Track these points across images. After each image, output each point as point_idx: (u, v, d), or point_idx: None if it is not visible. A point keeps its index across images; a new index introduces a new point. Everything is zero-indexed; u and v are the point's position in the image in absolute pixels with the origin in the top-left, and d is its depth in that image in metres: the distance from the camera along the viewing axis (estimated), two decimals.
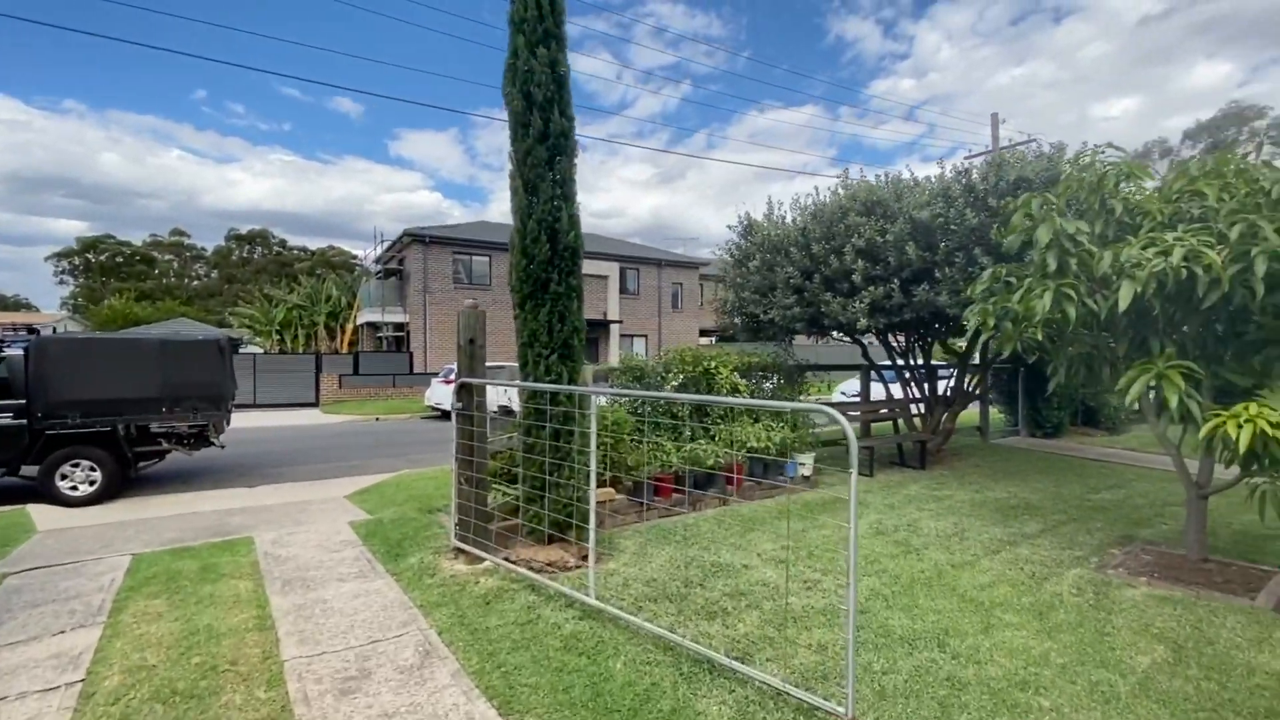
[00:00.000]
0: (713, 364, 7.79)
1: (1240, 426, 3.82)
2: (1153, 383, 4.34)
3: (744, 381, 7.82)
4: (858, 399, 13.02)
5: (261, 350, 29.84)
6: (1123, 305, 4.23)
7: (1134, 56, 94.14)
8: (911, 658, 3.54)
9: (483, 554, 4.95)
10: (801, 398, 9.29)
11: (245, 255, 69.47)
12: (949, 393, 9.98)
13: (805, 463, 7.76)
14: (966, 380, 9.79)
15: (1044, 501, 7.04)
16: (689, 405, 7.76)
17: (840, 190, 8.82)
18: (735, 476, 7.13)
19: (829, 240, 8.34)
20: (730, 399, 4.67)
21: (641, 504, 6.35)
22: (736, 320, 9.67)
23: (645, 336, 29.16)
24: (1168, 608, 4.18)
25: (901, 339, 10.27)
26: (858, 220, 8.05)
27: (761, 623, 3.96)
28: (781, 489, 7.56)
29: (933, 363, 10.40)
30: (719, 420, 7.71)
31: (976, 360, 9.97)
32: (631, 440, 6.84)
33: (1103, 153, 5.13)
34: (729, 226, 9.59)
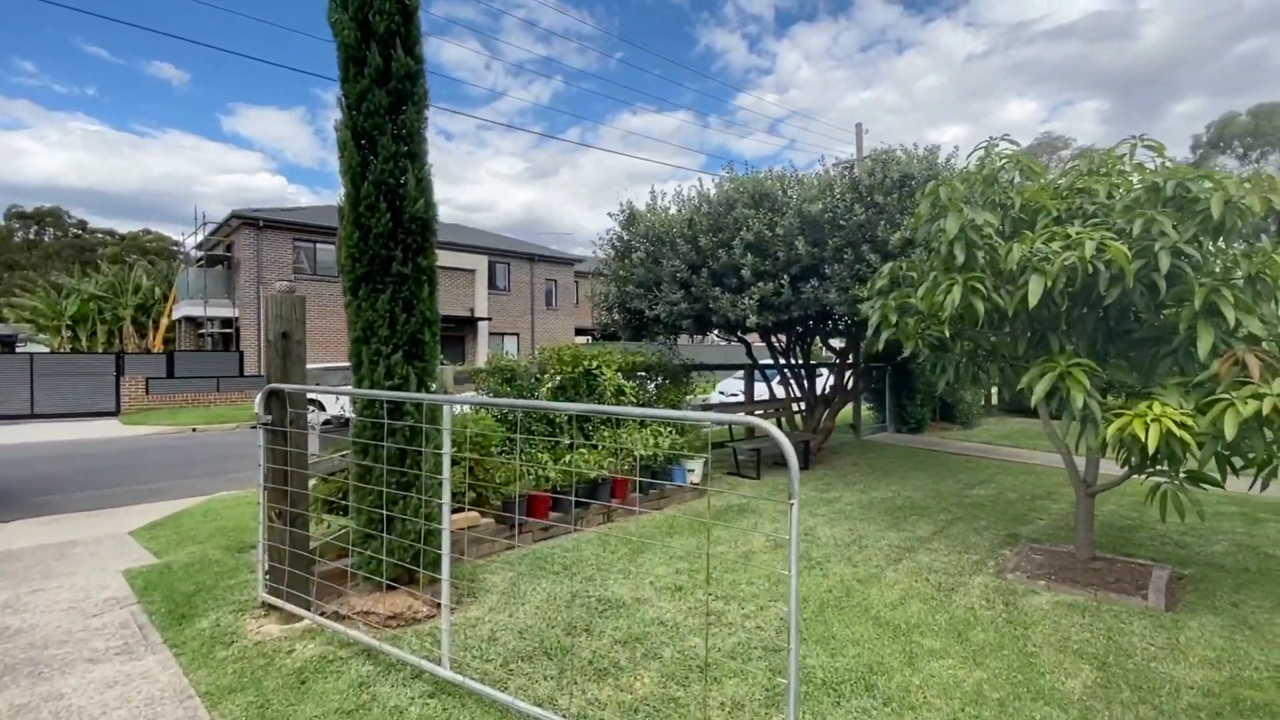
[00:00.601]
0: (595, 364, 7.01)
1: (1148, 426, 3.68)
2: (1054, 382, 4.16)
3: (629, 383, 7.10)
4: (736, 398, 12.91)
5: (46, 349, 24.79)
6: (1032, 300, 4.00)
7: (962, 90, 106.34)
8: (840, 708, 2.97)
9: (301, 610, 3.79)
10: (688, 399, 8.77)
11: (31, 237, 58.29)
12: (828, 391, 9.96)
13: (694, 469, 7.21)
14: (845, 378, 9.82)
15: (927, 500, 7.00)
16: (565, 413, 6.91)
17: (727, 182, 8.40)
18: (621, 487, 6.39)
19: (717, 233, 7.87)
20: (627, 410, 3.81)
21: (514, 526, 5.41)
22: (618, 317, 8.96)
23: (517, 335, 27.78)
24: (1076, 616, 3.99)
25: (784, 338, 10.13)
26: (746, 213, 7.64)
27: (663, 677, 3.22)
28: (670, 498, 6.94)
29: (812, 362, 10.37)
30: (602, 426, 6.94)
31: (851, 359, 10.06)
32: (502, 453, 5.87)
33: (998, 145, 4.98)
34: (609, 214, 8.88)
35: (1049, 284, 3.98)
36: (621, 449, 6.53)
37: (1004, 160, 4.86)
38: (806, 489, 7.60)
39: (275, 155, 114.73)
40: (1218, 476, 3.87)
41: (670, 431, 7.07)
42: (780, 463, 9.04)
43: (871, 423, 12.72)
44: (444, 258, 27.26)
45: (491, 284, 27.06)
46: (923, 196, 4.77)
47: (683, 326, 8.32)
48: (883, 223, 7.01)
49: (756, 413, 9.35)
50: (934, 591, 4.41)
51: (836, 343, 10.16)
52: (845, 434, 12.01)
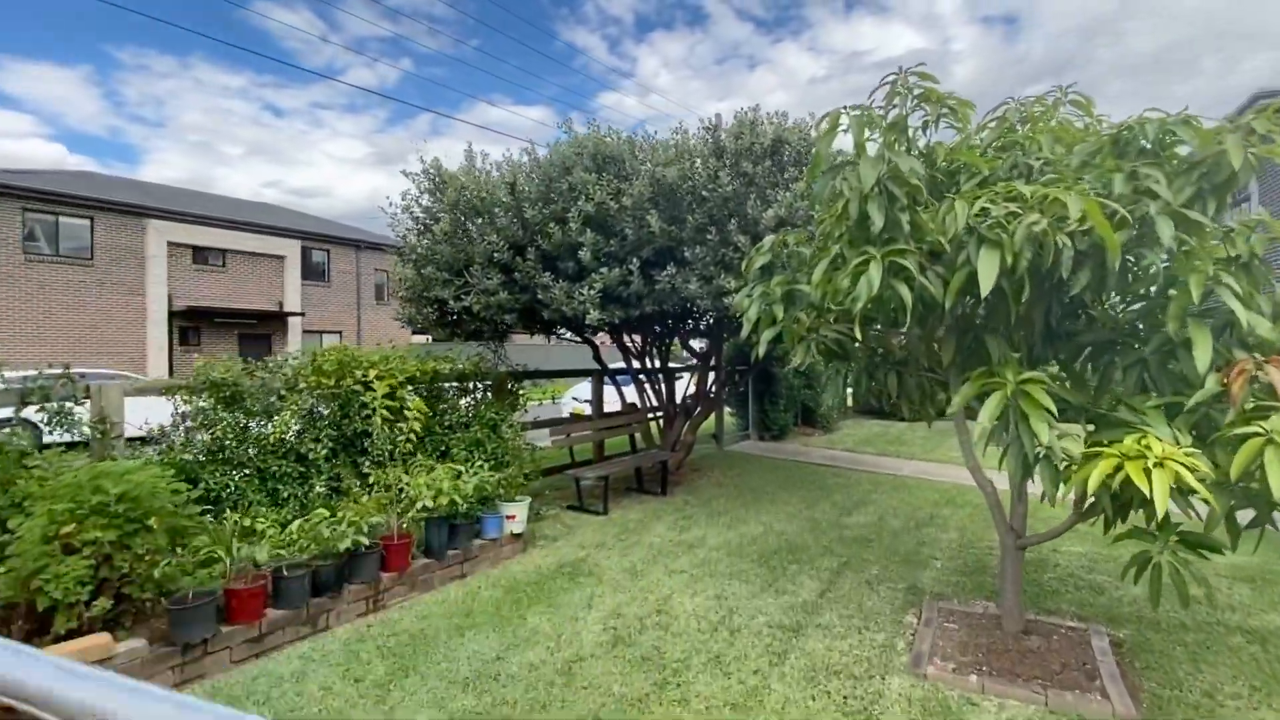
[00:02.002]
0: (370, 375, 4.94)
1: (1148, 471, 2.45)
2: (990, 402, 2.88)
3: (419, 400, 5.10)
4: (590, 407, 11.23)
5: None
6: (985, 285, 2.66)
7: (806, 108, 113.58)
8: None
9: None
10: (520, 413, 6.93)
11: None
12: (689, 399, 8.58)
13: (516, 514, 5.38)
14: (709, 384, 8.48)
15: (804, 536, 5.74)
16: (326, 444, 4.78)
17: (565, 144, 6.64)
18: (398, 555, 4.40)
19: (548, 202, 6.09)
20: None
21: (185, 650, 3.27)
22: (419, 310, 6.88)
23: (340, 333, 24.06)
24: None
25: (638, 339, 8.60)
26: (585, 177, 5.94)
27: None
28: (480, 558, 5.05)
29: (672, 365, 8.94)
30: (379, 463, 4.89)
31: (714, 361, 8.76)
32: (189, 520, 3.65)
33: (909, 79, 3.67)
34: (405, 173, 6.70)
35: (1007, 261, 2.66)
36: (402, 499, 4.55)
37: (916, 98, 3.53)
38: (663, 526, 6.07)
39: (53, 120, 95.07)
40: (1225, 540, 2.76)
41: (482, 465, 5.19)
42: (634, 488, 7.47)
43: (734, 430, 11.67)
44: (245, 241, 22.82)
45: (308, 273, 23.14)
46: (820, 138, 3.31)
47: (505, 322, 6.43)
48: (753, 197, 5.63)
49: (605, 427, 7.71)
50: (842, 715, 2.97)
51: (698, 343, 8.81)
52: (706, 443, 10.79)
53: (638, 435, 8.32)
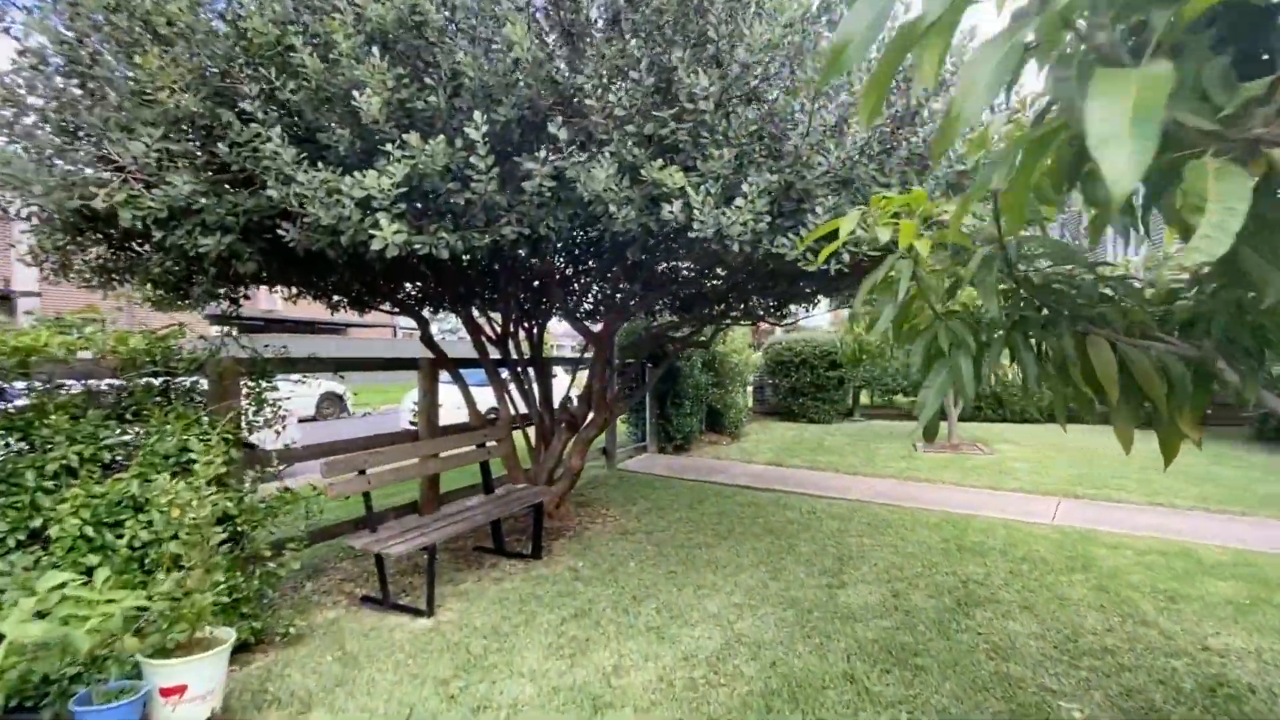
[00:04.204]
0: None
1: None
2: None
3: None
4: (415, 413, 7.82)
5: None
6: None
7: None
8: None
9: None
10: (268, 433, 3.80)
11: None
12: (573, 404, 5.77)
13: (189, 681, 2.29)
14: (608, 381, 5.71)
15: (794, 645, 3.18)
16: None
17: None
18: None
19: (302, 8, 3.01)
20: None
21: None
22: (56, 237, 3.49)
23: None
24: None
25: (500, 314, 5.71)
26: None
27: None
28: None
29: (551, 356, 6.09)
30: None
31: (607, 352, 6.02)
32: None
33: None
34: None
35: None
36: None
37: None
38: (539, 639, 3.25)
39: None
40: None
41: (126, 565, 2.07)
42: (488, 549, 4.57)
43: (627, 440, 9.04)
44: None
45: None
46: None
47: (214, 257, 3.17)
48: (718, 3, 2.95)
49: (433, 454, 4.70)
50: None
51: (592, 324, 6.06)
52: (593, 458, 8.03)
53: (489, 465, 5.37)
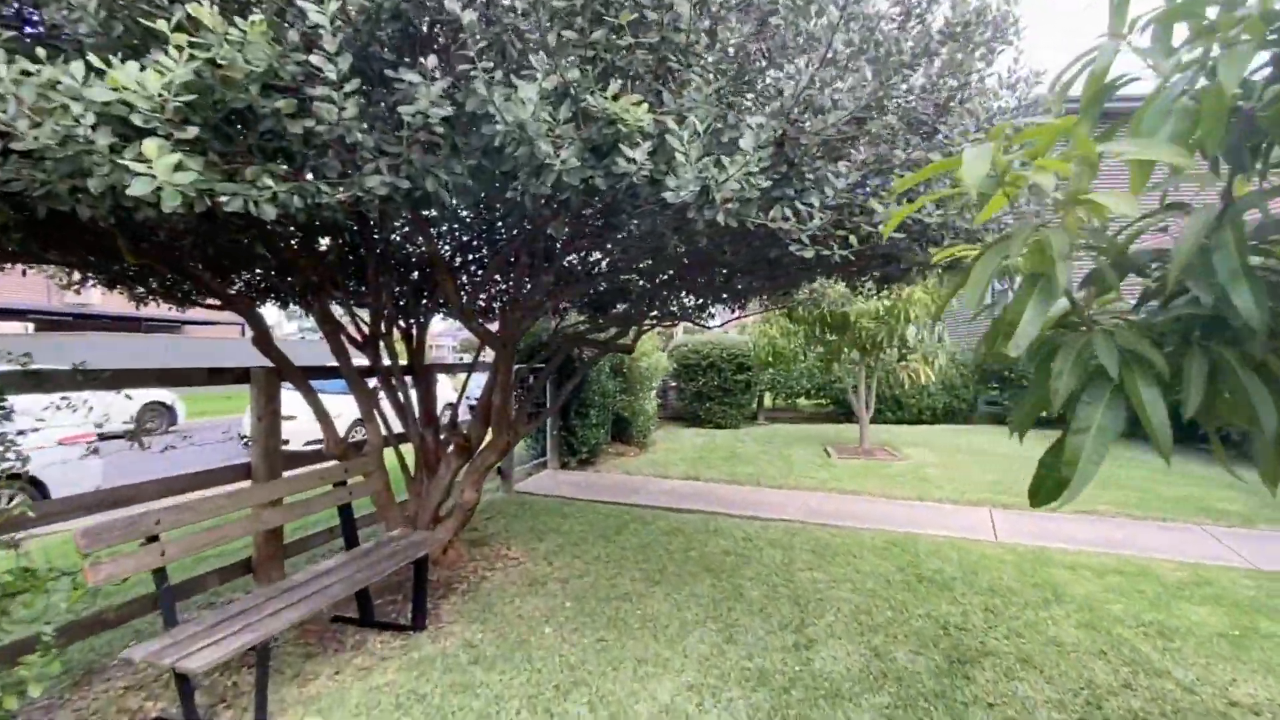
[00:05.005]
0: None
1: None
2: None
3: None
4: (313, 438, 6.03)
5: None
6: None
7: None
8: None
9: None
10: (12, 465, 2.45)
11: None
12: (464, 426, 4.68)
13: None
14: (503, 394, 4.66)
15: None
16: None
17: None
18: None
19: None
20: None
21: None
22: None
23: None
24: None
25: (369, 310, 4.51)
26: None
27: None
28: None
29: (435, 363, 4.93)
30: None
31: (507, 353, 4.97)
32: None
33: None
34: None
35: None
36: None
37: None
38: None
39: None
40: None
41: None
42: (351, 620, 3.40)
43: (526, 456, 7.96)
44: None
45: None
46: None
47: None
48: None
49: (270, 502, 3.47)
50: None
51: (493, 325, 4.99)
52: (490, 482, 6.90)
53: (357, 494, 4.16)
